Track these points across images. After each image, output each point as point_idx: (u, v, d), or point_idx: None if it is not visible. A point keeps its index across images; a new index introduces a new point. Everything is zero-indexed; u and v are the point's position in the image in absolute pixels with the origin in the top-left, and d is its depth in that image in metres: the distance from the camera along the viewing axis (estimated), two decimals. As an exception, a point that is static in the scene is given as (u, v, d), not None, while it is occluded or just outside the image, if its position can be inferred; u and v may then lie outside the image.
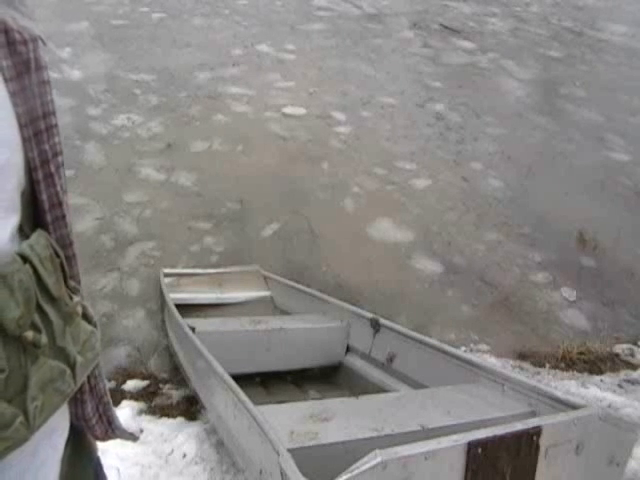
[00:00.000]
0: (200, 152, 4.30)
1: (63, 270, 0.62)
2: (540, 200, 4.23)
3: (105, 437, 0.77)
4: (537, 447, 1.40)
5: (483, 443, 1.32)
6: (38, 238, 0.59)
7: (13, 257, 0.55)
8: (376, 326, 2.37)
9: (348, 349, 2.53)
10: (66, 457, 0.71)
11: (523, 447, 1.38)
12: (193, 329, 2.30)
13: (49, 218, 0.63)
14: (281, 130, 4.67)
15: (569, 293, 3.45)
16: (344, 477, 1.17)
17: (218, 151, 4.33)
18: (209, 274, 3.15)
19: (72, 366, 0.61)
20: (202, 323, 2.47)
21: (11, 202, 0.57)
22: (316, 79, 5.54)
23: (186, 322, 2.38)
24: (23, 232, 0.59)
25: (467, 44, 6.83)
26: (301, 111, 4.96)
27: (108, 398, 0.75)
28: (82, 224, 3.45)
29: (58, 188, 0.63)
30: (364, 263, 3.49)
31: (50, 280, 0.58)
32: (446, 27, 7.22)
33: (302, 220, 3.75)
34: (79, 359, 0.62)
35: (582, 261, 3.70)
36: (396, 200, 4.05)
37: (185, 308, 2.71)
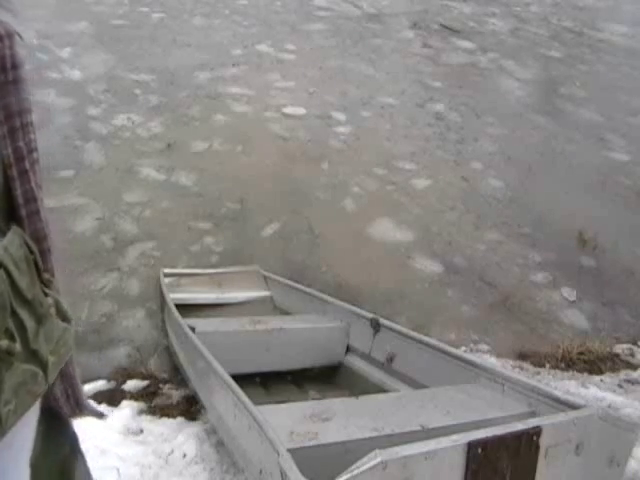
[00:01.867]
0: (200, 152, 4.30)
1: (37, 266, 0.62)
2: (540, 200, 4.23)
3: (73, 415, 0.79)
4: (537, 447, 1.40)
5: (483, 443, 1.32)
6: (13, 237, 0.59)
7: None
8: (376, 326, 2.37)
9: (348, 349, 2.53)
10: (40, 433, 0.71)
11: (523, 447, 1.38)
12: (193, 329, 2.30)
13: (24, 213, 0.63)
14: (281, 130, 4.67)
15: (569, 293, 3.45)
16: (344, 477, 1.17)
17: (218, 151, 4.33)
18: (209, 274, 3.15)
19: (44, 367, 0.61)
20: (202, 323, 2.47)
21: None
22: (316, 79, 5.54)
23: (186, 322, 2.38)
24: None
25: (467, 44, 6.83)
26: (301, 111, 4.96)
27: (77, 380, 0.76)
28: (82, 224, 3.45)
29: (33, 184, 0.64)
30: (364, 263, 3.49)
31: (24, 282, 0.58)
32: (446, 27, 7.22)
33: (302, 220, 3.75)
34: (51, 359, 0.62)
35: (582, 261, 3.70)
36: (396, 200, 4.05)
37: (185, 308, 2.71)
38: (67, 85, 4.86)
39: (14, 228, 0.61)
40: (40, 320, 0.61)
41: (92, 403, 0.81)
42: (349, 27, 6.85)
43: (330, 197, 3.99)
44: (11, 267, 0.57)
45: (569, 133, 5.19)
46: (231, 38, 6.18)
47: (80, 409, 0.79)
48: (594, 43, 7.36)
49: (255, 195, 3.90)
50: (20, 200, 0.63)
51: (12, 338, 0.57)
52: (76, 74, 5.08)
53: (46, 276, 0.65)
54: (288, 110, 4.94)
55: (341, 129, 4.79)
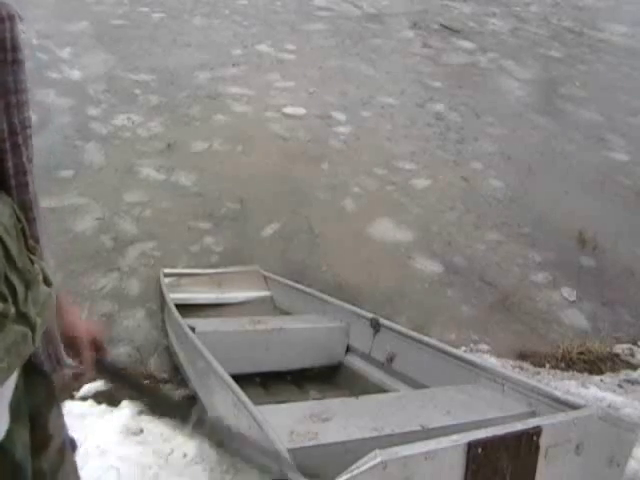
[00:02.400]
0: (200, 152, 4.30)
1: (24, 235, 0.67)
2: (540, 200, 4.23)
3: (53, 371, 0.85)
4: (537, 447, 1.40)
5: (483, 443, 1.32)
6: (3, 208, 0.64)
7: None
8: (376, 326, 2.37)
9: (348, 349, 2.53)
10: (19, 382, 0.77)
11: (523, 447, 1.38)
12: (193, 329, 2.30)
13: (13, 183, 0.68)
14: (281, 130, 4.67)
15: (569, 293, 3.45)
16: (344, 477, 1.17)
17: (218, 151, 4.33)
18: (209, 274, 3.15)
19: (33, 328, 0.67)
20: (202, 323, 2.47)
21: None
22: (316, 79, 5.54)
23: (186, 322, 2.38)
24: None
25: (467, 44, 6.83)
26: (301, 111, 4.96)
27: (58, 340, 0.82)
28: (82, 224, 3.45)
29: (24, 158, 0.69)
30: (364, 263, 3.49)
31: (15, 250, 0.63)
32: (446, 27, 7.22)
33: (302, 220, 3.75)
34: (39, 321, 0.68)
35: (582, 261, 3.70)
36: (396, 200, 4.05)
37: (185, 308, 2.71)
38: (67, 85, 4.86)
39: (4, 198, 0.65)
40: (29, 285, 0.66)
41: (69, 360, 0.88)
42: (349, 27, 6.85)
43: (330, 197, 3.99)
44: (4, 236, 0.61)
45: (569, 133, 5.19)
46: (231, 38, 6.18)
47: (60, 366, 0.85)
48: (594, 43, 7.36)
49: (255, 195, 3.90)
50: (11, 172, 0.68)
51: (5, 301, 0.61)
52: (76, 74, 5.08)
53: (31, 243, 0.69)
54: (288, 110, 4.94)
55: (341, 129, 4.79)
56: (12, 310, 0.62)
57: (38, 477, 0.82)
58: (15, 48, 0.65)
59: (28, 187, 0.71)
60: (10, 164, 0.68)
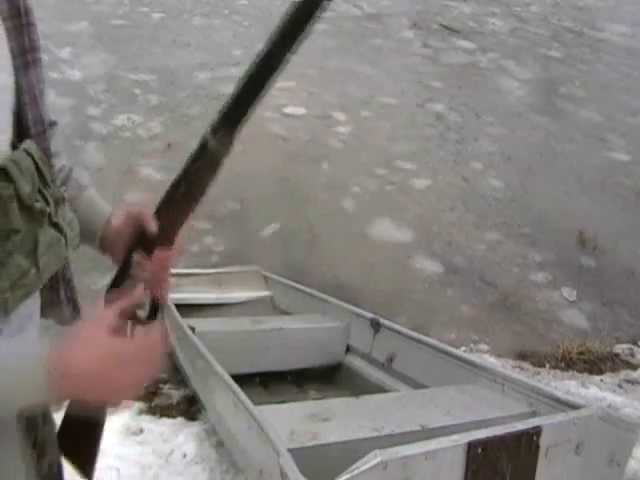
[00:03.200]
0: (200, 152, 4.29)
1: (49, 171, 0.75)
2: (540, 200, 4.23)
3: (71, 319, 0.90)
4: (537, 447, 1.40)
5: (483, 443, 1.32)
6: (31, 144, 0.72)
7: (21, 149, 0.69)
8: (376, 326, 2.37)
9: (348, 349, 2.53)
10: None
11: (523, 447, 1.38)
12: (193, 329, 2.30)
13: (33, 132, 0.76)
14: (281, 130, 4.67)
15: (569, 293, 3.45)
16: (344, 477, 1.17)
17: (218, 151, 4.33)
18: (209, 274, 3.15)
19: (65, 236, 0.75)
20: (202, 323, 2.47)
21: (6, 118, 0.71)
22: (316, 79, 5.53)
23: (186, 322, 2.38)
24: (13, 144, 0.72)
25: (467, 44, 6.83)
26: (301, 111, 4.96)
27: (74, 284, 0.90)
28: (82, 224, 3.45)
29: (41, 110, 0.77)
30: (364, 263, 3.49)
31: (45, 170, 0.72)
32: (446, 27, 7.22)
33: (302, 220, 3.75)
34: (69, 232, 0.76)
35: (582, 261, 3.70)
36: (396, 200, 4.04)
37: (185, 308, 2.71)
38: (67, 85, 4.86)
39: (29, 140, 0.73)
40: (57, 202, 0.74)
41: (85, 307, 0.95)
42: (349, 27, 6.85)
43: (330, 197, 3.99)
44: (36, 157, 0.70)
45: (569, 133, 5.19)
46: (231, 38, 6.18)
47: (77, 312, 0.91)
48: (594, 43, 7.36)
49: (255, 195, 3.90)
50: (30, 123, 0.75)
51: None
52: (76, 74, 5.08)
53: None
54: (288, 110, 4.94)
55: (341, 129, 4.79)
56: (48, 210, 0.71)
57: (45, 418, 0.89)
58: (27, 12, 0.74)
59: (46, 134, 0.79)
60: (30, 116, 0.76)
